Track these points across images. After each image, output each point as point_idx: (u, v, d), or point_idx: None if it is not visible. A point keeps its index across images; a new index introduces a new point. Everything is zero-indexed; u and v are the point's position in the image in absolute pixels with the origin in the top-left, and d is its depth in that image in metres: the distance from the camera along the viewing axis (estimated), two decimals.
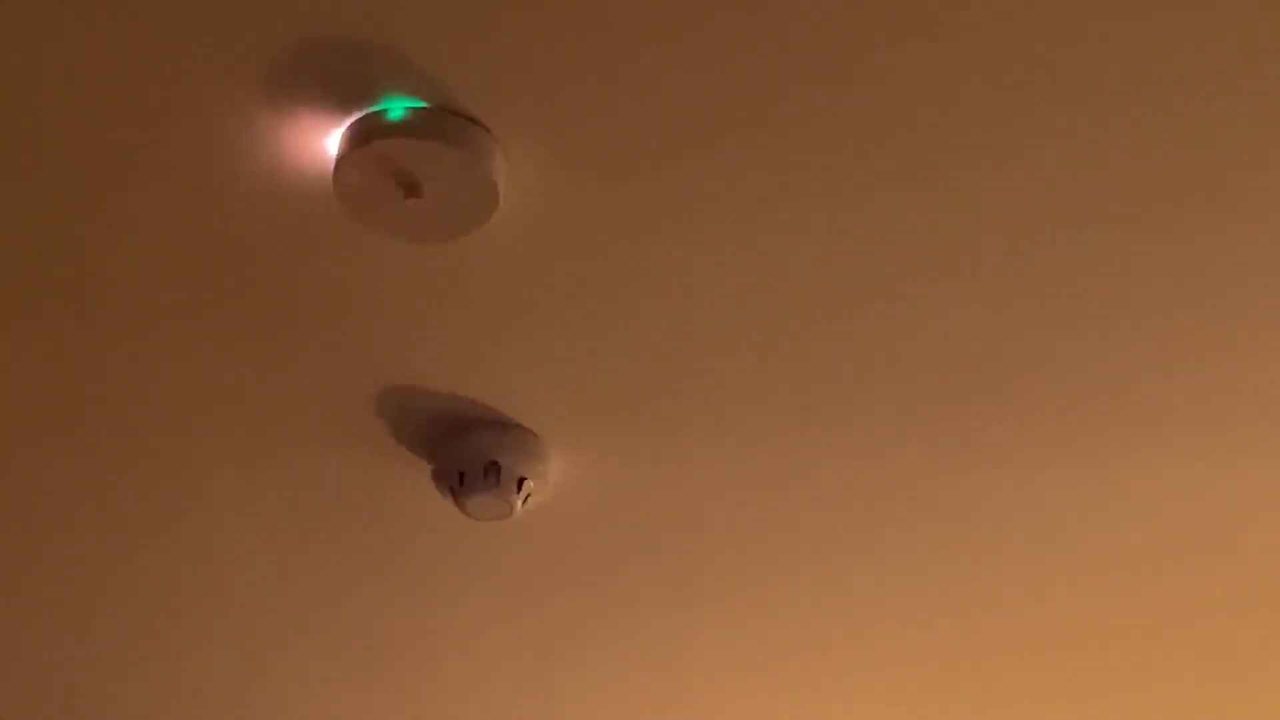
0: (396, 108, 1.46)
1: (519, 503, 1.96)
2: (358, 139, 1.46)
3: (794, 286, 1.70)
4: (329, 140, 1.49)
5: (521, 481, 1.94)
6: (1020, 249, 1.64)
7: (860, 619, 2.41)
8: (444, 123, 1.45)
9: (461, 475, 1.94)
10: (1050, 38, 1.39)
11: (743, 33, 1.38)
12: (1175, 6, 1.36)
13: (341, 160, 1.47)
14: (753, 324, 1.76)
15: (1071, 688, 2.60)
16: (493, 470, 1.92)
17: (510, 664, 2.56)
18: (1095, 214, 1.59)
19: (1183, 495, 2.08)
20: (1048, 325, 1.76)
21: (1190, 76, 1.43)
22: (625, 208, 1.59)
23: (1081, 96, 1.45)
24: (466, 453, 1.93)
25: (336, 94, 1.44)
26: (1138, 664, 2.51)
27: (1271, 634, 2.42)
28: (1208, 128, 1.49)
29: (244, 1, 1.34)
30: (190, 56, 1.40)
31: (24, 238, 1.64)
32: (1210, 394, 1.87)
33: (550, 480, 2.00)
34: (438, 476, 1.97)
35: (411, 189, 1.49)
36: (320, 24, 1.37)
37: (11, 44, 1.40)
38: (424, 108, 1.46)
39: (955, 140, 1.50)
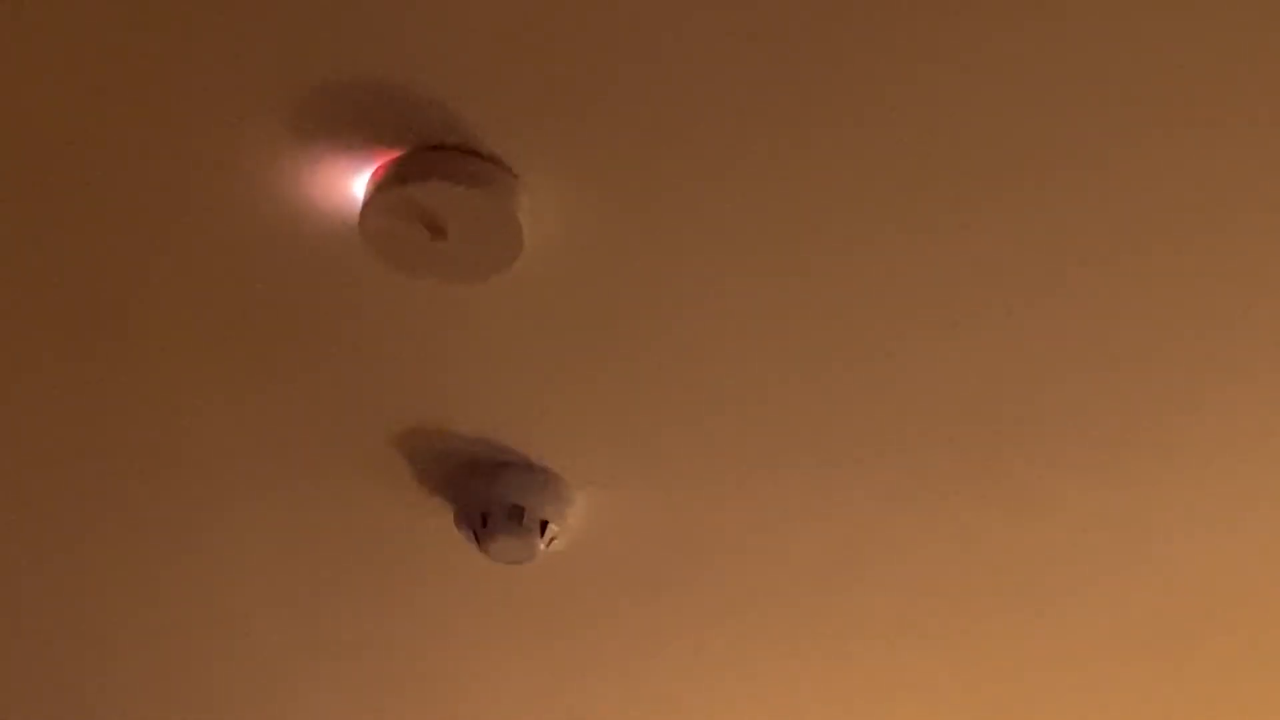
0: (422, 150, 1.47)
1: (542, 546, 1.95)
2: (384, 182, 1.47)
3: (821, 327, 1.70)
4: (356, 183, 1.50)
5: (545, 525, 1.93)
6: (1053, 289, 1.64)
7: (883, 662, 2.39)
8: (469, 165, 1.46)
9: (484, 518, 1.93)
10: (1078, 71, 1.39)
11: (767, 68, 1.38)
12: (1177, 48, 1.36)
13: (368, 203, 1.48)
14: (778, 366, 1.76)
15: None
16: (516, 513, 1.92)
17: (531, 706, 2.54)
18: (1126, 252, 1.59)
19: (1207, 545, 2.06)
20: (1075, 369, 1.75)
21: (1200, 117, 1.43)
22: (650, 248, 1.59)
23: (1100, 136, 1.45)
24: (490, 495, 1.93)
25: (363, 137, 1.45)
26: (1158, 708, 2.49)
27: None
28: (1221, 166, 1.49)
29: (272, 45, 1.36)
30: (219, 99, 1.41)
31: (53, 272, 1.65)
32: (1241, 441, 1.86)
33: (573, 523, 2.00)
34: (460, 519, 1.97)
35: (437, 231, 1.49)
36: (347, 68, 1.38)
37: (44, 84, 1.41)
38: (449, 150, 1.46)
39: (986, 176, 1.50)
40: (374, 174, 1.48)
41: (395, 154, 1.47)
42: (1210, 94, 1.40)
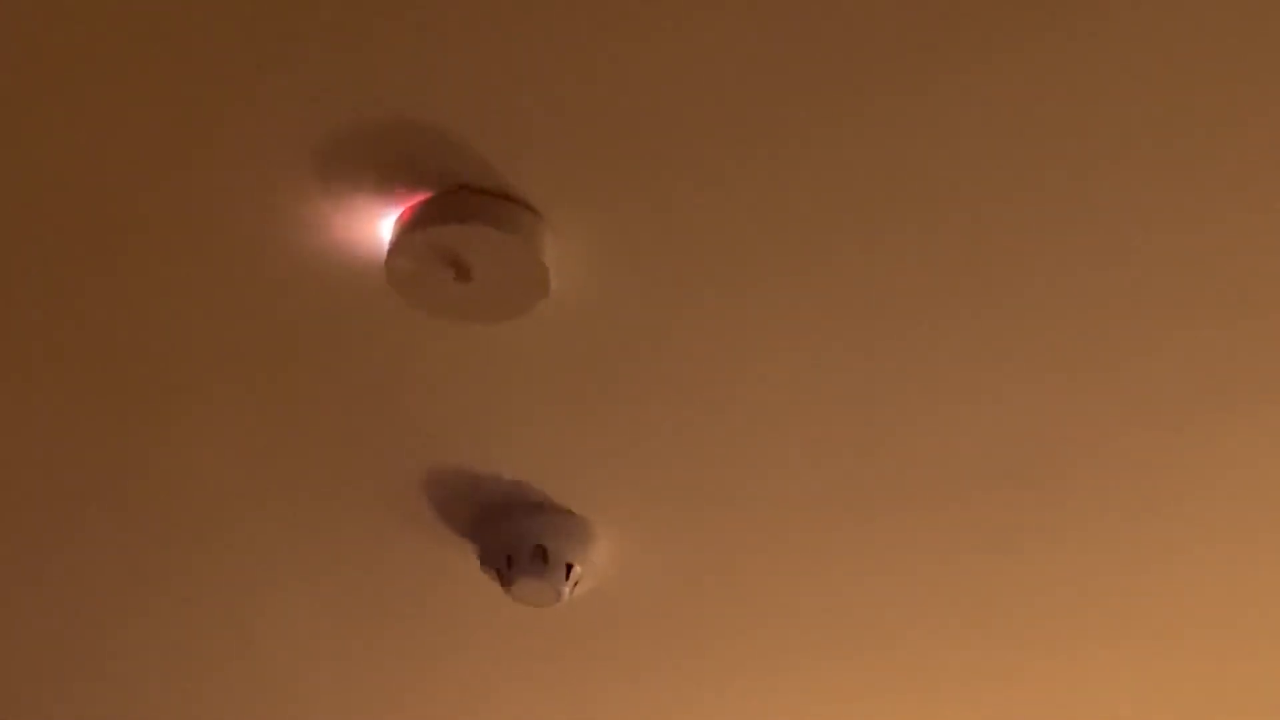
0: (447, 192, 1.47)
1: (567, 588, 1.94)
2: (410, 223, 1.47)
3: (845, 377, 1.69)
4: (382, 224, 1.50)
5: (569, 567, 1.92)
6: (1081, 343, 1.64)
7: (907, 706, 2.37)
8: (495, 208, 1.46)
9: (509, 559, 1.93)
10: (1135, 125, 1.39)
11: (797, 127, 1.38)
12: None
13: (394, 244, 1.48)
14: (802, 413, 1.75)
15: None
16: (540, 555, 1.91)
17: None
18: (1152, 314, 1.60)
19: (1228, 576, 2.06)
20: (1106, 420, 1.76)
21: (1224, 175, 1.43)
22: (675, 293, 1.59)
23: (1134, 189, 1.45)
24: (514, 536, 1.92)
25: (389, 178, 1.46)
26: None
27: None
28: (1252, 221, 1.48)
29: (299, 87, 1.36)
30: (246, 141, 1.42)
31: (79, 312, 1.66)
32: (1254, 481, 1.86)
33: (597, 565, 1.99)
34: (485, 560, 1.96)
35: (462, 273, 1.50)
36: (373, 110, 1.38)
37: (70, 127, 1.42)
38: (475, 192, 1.46)
39: (1011, 241, 1.50)
40: (400, 216, 1.49)
41: (421, 196, 1.48)
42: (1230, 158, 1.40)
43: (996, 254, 1.53)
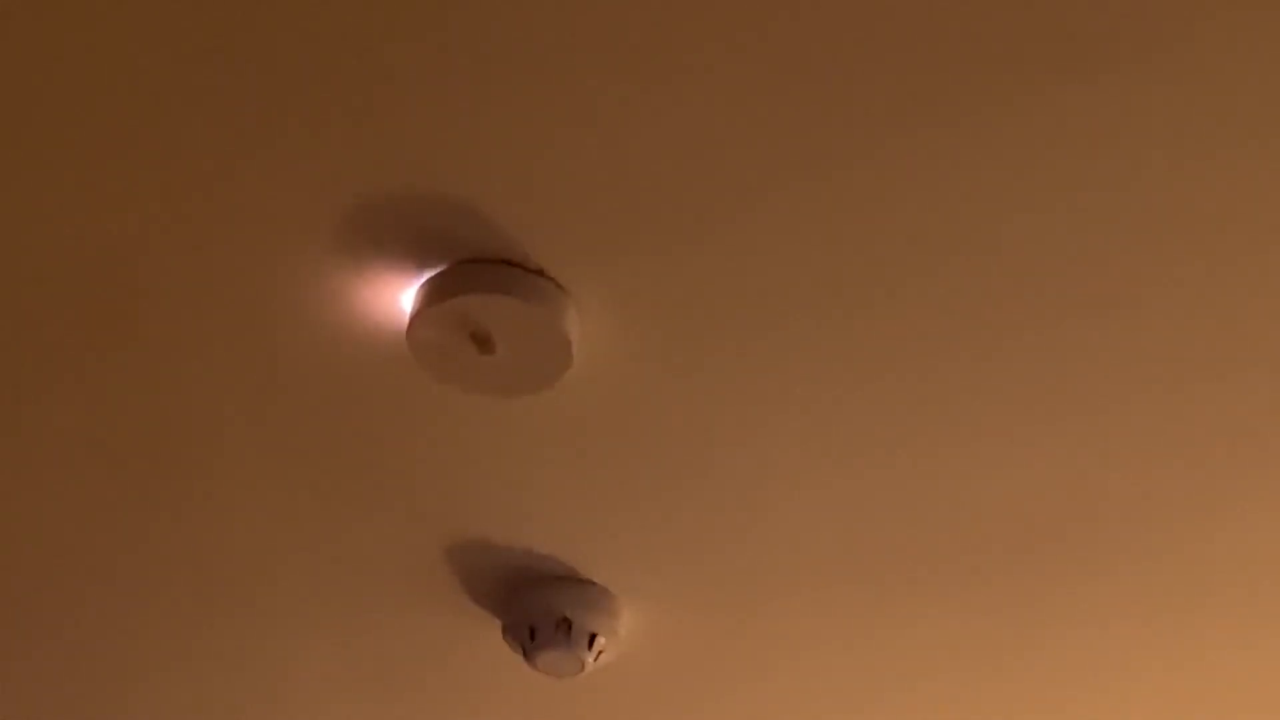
0: (469, 264, 1.47)
1: (590, 659, 1.93)
2: (432, 295, 1.47)
3: (870, 444, 1.68)
4: (404, 296, 1.50)
5: (593, 638, 1.91)
6: (1102, 405, 1.63)
7: None
8: (518, 279, 1.46)
9: (533, 631, 1.92)
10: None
11: (813, 192, 1.38)
12: None
13: (416, 316, 1.48)
14: (822, 485, 1.75)
15: None
16: (564, 626, 1.90)
17: None
18: (1177, 371, 1.58)
19: (1254, 642, 2.04)
20: (1110, 486, 1.74)
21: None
22: (697, 368, 1.58)
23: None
24: (538, 608, 1.91)
25: (412, 250, 1.46)
26: None
27: None
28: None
29: (321, 159, 1.37)
30: (266, 215, 1.42)
31: (102, 393, 1.66)
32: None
33: (621, 636, 1.97)
34: (509, 632, 1.95)
35: (485, 345, 1.49)
36: (394, 182, 1.38)
37: (92, 208, 1.43)
38: (499, 264, 1.46)
39: (1032, 298, 1.49)
40: (422, 287, 1.49)
41: (443, 267, 1.47)
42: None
43: (1019, 313, 1.51)
